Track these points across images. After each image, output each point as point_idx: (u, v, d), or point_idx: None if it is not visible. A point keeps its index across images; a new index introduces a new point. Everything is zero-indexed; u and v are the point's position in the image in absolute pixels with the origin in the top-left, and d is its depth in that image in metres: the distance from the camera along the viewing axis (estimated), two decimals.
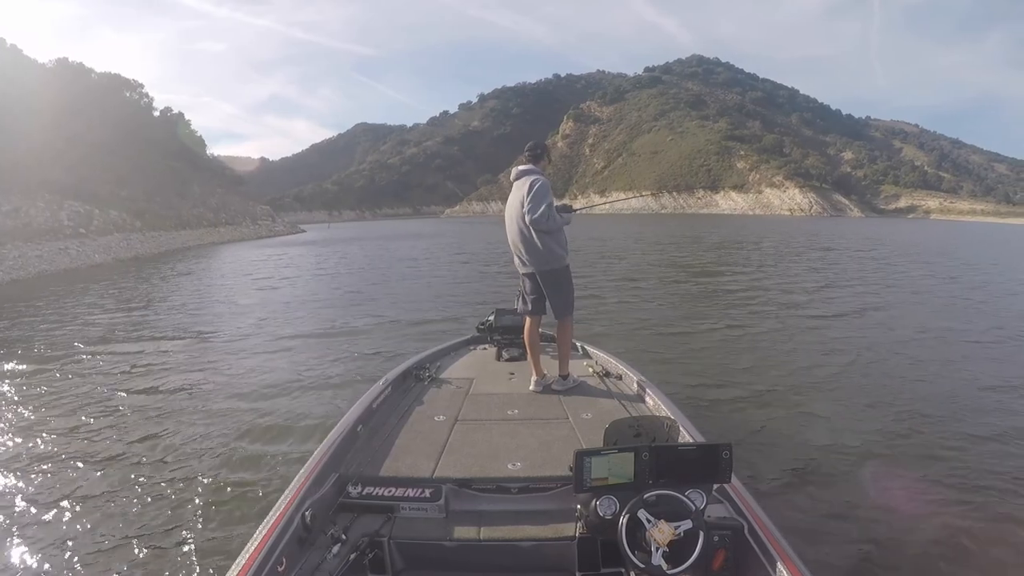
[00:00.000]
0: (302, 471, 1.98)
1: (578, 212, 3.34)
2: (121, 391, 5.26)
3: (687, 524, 1.48)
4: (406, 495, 1.92)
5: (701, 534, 1.49)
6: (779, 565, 1.49)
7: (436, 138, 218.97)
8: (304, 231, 54.48)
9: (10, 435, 4.25)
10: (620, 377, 3.26)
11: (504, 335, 3.84)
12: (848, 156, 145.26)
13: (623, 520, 1.52)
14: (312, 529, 1.75)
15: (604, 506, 1.58)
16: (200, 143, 61.16)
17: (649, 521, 1.49)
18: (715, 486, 1.75)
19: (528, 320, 3.25)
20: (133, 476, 3.50)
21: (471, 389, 3.11)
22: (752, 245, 24.85)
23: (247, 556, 1.51)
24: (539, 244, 3.05)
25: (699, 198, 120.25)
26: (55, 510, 3.12)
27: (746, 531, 1.65)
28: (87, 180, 29.74)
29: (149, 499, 3.20)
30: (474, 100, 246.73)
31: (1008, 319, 8.34)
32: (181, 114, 59.67)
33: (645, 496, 1.55)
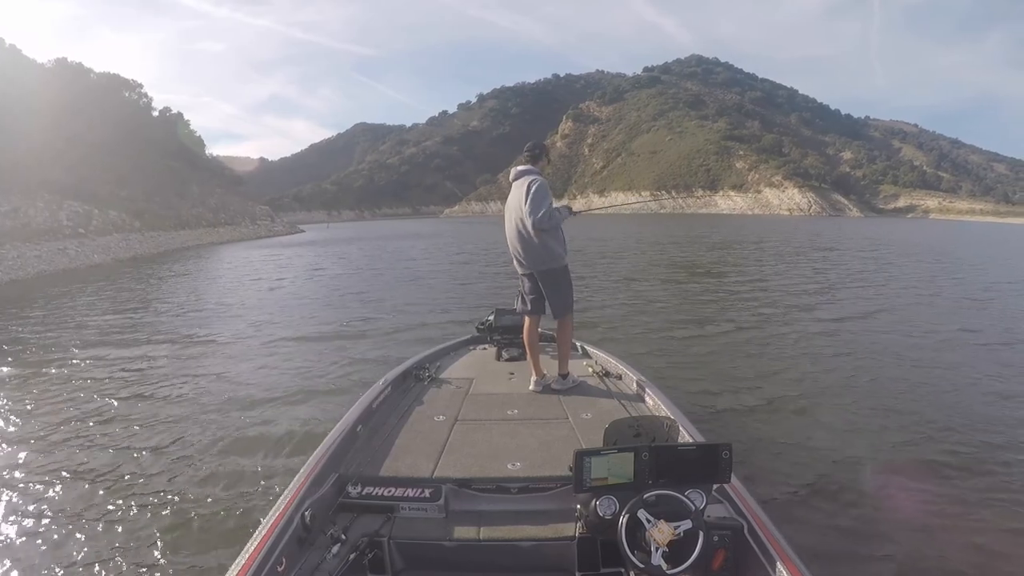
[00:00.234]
0: (302, 471, 1.98)
1: (578, 215, 3.34)
2: (118, 393, 5.24)
3: (687, 524, 1.48)
4: (406, 495, 1.91)
5: (701, 534, 1.48)
6: (779, 565, 1.49)
7: (435, 138, 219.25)
8: (303, 231, 54.38)
9: (9, 438, 4.24)
10: (620, 377, 3.26)
11: (504, 335, 3.84)
12: (847, 156, 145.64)
13: (623, 520, 1.52)
14: (312, 529, 1.75)
15: (604, 506, 1.58)
16: (199, 143, 61.21)
17: (649, 521, 1.49)
18: (715, 486, 1.75)
19: (528, 320, 3.25)
20: (131, 477, 3.49)
21: (471, 389, 3.11)
22: (753, 245, 24.85)
23: (247, 556, 1.51)
24: (538, 244, 3.04)
25: (698, 198, 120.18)
26: (56, 511, 3.12)
27: (746, 531, 1.65)
28: (86, 180, 29.75)
29: (149, 500, 3.19)
30: (473, 100, 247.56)
31: (1017, 320, 8.27)
32: (180, 114, 59.93)
33: (645, 496, 1.55)
